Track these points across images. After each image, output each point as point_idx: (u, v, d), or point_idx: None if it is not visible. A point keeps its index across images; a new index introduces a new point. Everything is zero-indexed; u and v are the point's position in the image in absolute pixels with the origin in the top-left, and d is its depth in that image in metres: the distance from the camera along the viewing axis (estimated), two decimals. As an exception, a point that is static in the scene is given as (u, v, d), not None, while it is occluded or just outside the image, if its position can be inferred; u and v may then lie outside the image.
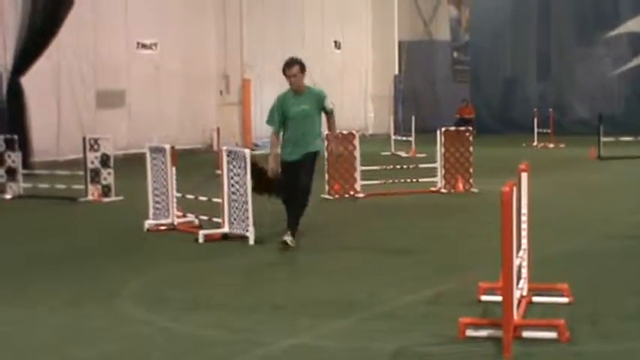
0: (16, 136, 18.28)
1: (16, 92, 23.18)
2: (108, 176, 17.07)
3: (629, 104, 34.72)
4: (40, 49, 23.65)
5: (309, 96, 11.43)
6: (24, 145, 19.92)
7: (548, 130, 29.36)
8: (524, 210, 8.14)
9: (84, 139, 17.42)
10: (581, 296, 8.32)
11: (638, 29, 35.76)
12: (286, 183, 11.41)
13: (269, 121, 11.62)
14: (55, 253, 11.81)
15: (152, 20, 27.98)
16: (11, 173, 17.90)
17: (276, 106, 11.49)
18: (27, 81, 23.44)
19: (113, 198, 16.91)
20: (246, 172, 11.79)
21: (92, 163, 17.03)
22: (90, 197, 16.90)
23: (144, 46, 27.99)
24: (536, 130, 29.59)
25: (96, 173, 17.03)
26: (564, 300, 8.26)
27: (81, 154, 17.44)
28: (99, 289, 9.42)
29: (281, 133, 11.52)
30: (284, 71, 11.41)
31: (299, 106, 11.33)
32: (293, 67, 11.29)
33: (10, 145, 17.99)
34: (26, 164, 19.76)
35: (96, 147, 17.11)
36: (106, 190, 17.03)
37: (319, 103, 11.42)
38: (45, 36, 23.58)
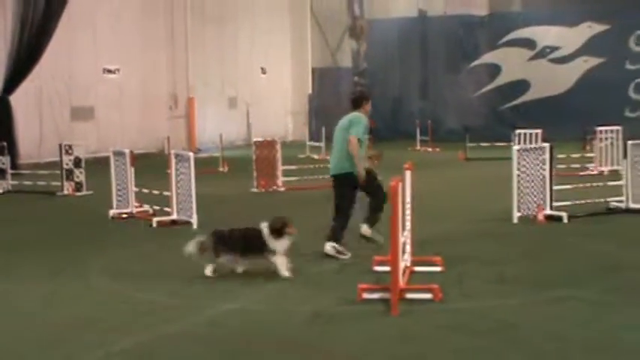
0: (5, 143, 18.00)
1: (5, 108, 22.74)
2: (80, 175, 16.83)
3: (487, 118, 35.22)
4: (25, 73, 23.30)
5: None
6: (12, 150, 19.62)
7: (428, 138, 29.64)
8: (407, 199, 8.26)
9: (60, 145, 17.19)
10: (451, 266, 8.47)
11: (492, 61, 36.46)
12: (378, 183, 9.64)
13: (358, 133, 9.46)
14: (38, 237, 11.61)
15: (116, 51, 27.63)
16: (1, 173, 17.59)
17: (363, 124, 9.62)
18: (14, 99, 23.04)
19: (84, 192, 16.65)
20: (189, 171, 11.75)
21: (67, 164, 16.78)
22: (65, 192, 16.61)
23: (109, 71, 27.59)
24: (418, 137, 29.84)
25: (70, 172, 16.77)
26: (438, 269, 8.40)
27: (58, 157, 17.13)
28: (73, 265, 9.28)
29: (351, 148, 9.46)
30: (366, 100, 9.88)
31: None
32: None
33: (0, 150, 17.68)
34: (14, 165, 19.34)
35: (70, 151, 16.88)
36: (78, 186, 16.78)
37: None
38: (29, 63, 23.25)
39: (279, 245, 8.42)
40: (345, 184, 9.60)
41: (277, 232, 8.44)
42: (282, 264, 8.36)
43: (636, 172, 12.40)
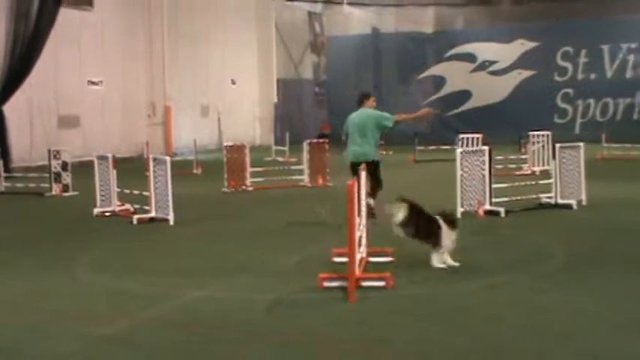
0: (-1, 149, 17.75)
1: (-1, 117, 22.46)
2: (67, 177, 16.59)
3: (434, 124, 35.39)
4: (17, 85, 23.01)
5: None
6: (5, 155, 19.37)
7: (382, 142, 29.59)
8: (363, 197, 8.24)
9: (49, 150, 16.93)
10: (401, 256, 8.46)
11: (438, 73, 36.78)
12: None
13: (392, 115, 11.55)
14: (29, 233, 11.41)
15: (99, 64, 27.35)
16: (-5, 176, 17.32)
17: (384, 113, 11.57)
18: (7, 109, 22.71)
19: (71, 193, 16.40)
20: (166, 173, 11.63)
21: (55, 167, 16.54)
22: (54, 193, 16.36)
23: (93, 82, 27.29)
24: (372, 141, 29.84)
25: (58, 175, 16.53)
26: (390, 259, 8.40)
27: (47, 161, 16.86)
28: (60, 259, 9.12)
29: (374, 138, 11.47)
30: (366, 98, 11.54)
31: None
32: None
33: (-6, 155, 17.44)
34: (7, 169, 19.07)
35: (58, 156, 16.65)
36: (65, 188, 16.53)
37: None
38: (20, 76, 22.98)
39: (450, 237, 7.96)
40: (374, 167, 10.80)
41: (451, 223, 8.02)
42: (440, 258, 7.96)
43: (564, 171, 12.58)
